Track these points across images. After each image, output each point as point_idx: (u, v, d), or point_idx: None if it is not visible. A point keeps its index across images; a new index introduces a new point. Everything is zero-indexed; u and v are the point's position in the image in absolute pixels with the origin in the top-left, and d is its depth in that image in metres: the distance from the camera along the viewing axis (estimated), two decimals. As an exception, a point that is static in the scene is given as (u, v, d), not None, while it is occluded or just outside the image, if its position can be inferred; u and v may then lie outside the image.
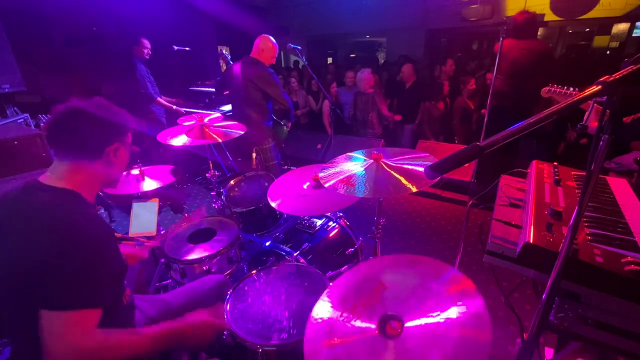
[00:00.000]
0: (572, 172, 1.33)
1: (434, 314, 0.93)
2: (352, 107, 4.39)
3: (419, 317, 0.94)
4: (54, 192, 0.97)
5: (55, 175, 1.02)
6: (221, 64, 3.20)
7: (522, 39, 3.13)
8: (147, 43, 3.75)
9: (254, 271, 1.53)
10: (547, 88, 1.93)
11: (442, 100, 4.36)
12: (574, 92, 1.85)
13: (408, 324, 0.94)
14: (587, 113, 1.22)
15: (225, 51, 3.22)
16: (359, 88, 4.23)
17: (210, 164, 2.42)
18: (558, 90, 1.89)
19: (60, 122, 1.01)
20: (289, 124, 3.33)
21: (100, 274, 0.93)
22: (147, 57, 3.78)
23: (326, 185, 1.36)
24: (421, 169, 1.34)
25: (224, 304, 1.33)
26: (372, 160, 1.45)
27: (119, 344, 0.93)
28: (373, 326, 0.97)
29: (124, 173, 2.01)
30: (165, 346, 1.01)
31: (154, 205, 1.95)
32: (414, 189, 1.23)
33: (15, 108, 3.63)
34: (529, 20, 3.12)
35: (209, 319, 1.14)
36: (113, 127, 1.08)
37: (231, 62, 3.09)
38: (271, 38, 2.83)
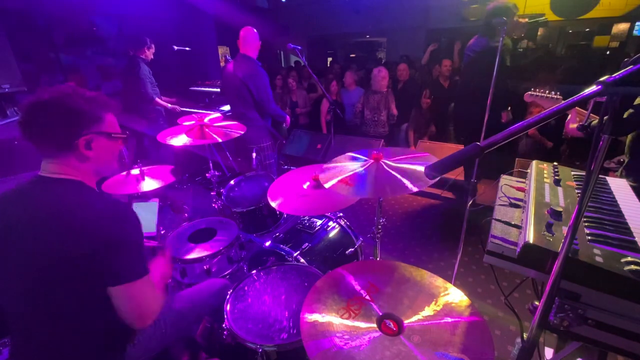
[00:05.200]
0: (572, 172, 1.33)
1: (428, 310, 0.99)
2: (362, 106, 4.28)
3: (415, 315, 1.00)
4: (69, 183, 0.99)
5: (48, 170, 0.99)
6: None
7: None
8: (152, 45, 3.77)
9: (254, 271, 1.53)
10: (530, 92, 1.91)
11: (426, 99, 4.34)
12: (558, 96, 1.84)
13: (408, 321, 0.96)
14: (587, 113, 1.22)
15: (224, 53, 3.20)
16: (373, 86, 4.14)
17: (211, 164, 2.42)
18: (541, 94, 1.87)
19: (24, 118, 0.96)
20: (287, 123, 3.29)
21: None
22: (151, 58, 3.80)
23: (326, 185, 1.35)
24: (421, 169, 1.34)
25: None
26: (372, 161, 1.45)
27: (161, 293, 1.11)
28: (374, 325, 0.97)
29: (124, 173, 2.01)
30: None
31: (154, 205, 1.96)
32: (415, 189, 1.24)
33: (15, 108, 3.63)
34: None
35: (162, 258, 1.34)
36: (78, 118, 0.98)
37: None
38: (252, 29, 2.76)
